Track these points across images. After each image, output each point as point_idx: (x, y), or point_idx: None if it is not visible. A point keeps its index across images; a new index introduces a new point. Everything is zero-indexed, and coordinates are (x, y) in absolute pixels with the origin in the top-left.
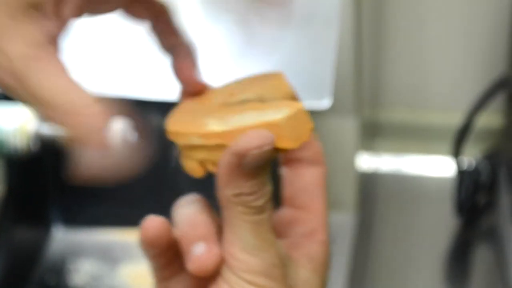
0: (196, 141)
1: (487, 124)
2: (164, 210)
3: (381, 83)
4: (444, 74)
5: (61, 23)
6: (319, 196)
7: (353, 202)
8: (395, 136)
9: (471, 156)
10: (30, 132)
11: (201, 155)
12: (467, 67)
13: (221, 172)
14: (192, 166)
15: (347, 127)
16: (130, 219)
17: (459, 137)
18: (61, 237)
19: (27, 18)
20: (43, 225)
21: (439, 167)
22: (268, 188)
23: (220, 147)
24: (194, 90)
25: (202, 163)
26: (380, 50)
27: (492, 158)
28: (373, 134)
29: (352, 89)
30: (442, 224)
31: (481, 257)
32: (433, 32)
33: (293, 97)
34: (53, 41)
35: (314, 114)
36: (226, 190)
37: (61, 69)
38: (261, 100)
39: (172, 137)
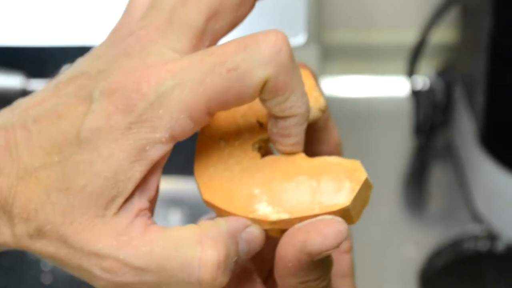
0: None
1: (439, 40)
2: None
3: (323, 3)
4: None
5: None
6: None
7: None
8: (342, 58)
9: (425, 74)
10: None
11: None
12: None
13: (287, 266)
14: None
15: (308, 54)
16: None
17: (413, 55)
18: None
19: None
20: None
21: (392, 87)
22: (330, 267)
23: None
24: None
25: None
26: None
27: (446, 75)
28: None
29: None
30: (398, 146)
31: (440, 176)
32: None
33: (316, 89)
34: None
35: None
36: (291, 279)
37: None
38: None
39: (210, 207)
